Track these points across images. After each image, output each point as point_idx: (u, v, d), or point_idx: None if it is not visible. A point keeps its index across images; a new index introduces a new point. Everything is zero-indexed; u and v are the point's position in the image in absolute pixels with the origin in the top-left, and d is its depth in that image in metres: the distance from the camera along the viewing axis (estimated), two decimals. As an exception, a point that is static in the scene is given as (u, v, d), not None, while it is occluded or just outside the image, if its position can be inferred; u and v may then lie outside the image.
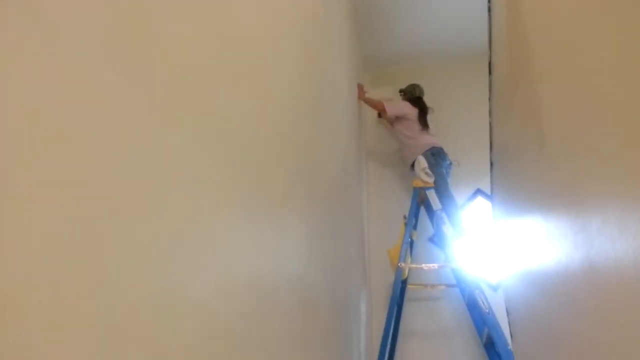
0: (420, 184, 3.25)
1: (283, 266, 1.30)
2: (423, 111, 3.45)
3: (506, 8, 1.73)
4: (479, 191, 3.27)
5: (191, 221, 0.72)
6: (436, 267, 3.04)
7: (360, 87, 3.46)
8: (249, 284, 0.98)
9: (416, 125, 3.43)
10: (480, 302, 2.66)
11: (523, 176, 1.76)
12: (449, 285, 3.06)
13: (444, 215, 3.11)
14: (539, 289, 1.73)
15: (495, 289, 2.98)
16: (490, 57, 2.14)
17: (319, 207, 1.82)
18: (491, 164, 2.39)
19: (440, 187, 3.23)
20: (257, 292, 1.03)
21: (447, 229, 3.03)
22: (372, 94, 3.60)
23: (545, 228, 1.55)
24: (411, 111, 3.45)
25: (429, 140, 3.38)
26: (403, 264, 2.91)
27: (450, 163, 3.34)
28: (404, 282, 2.96)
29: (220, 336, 0.81)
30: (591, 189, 1.05)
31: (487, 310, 2.60)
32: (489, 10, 2.07)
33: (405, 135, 3.47)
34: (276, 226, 1.24)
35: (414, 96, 3.56)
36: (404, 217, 3.19)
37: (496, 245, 2.60)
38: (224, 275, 0.84)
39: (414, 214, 3.20)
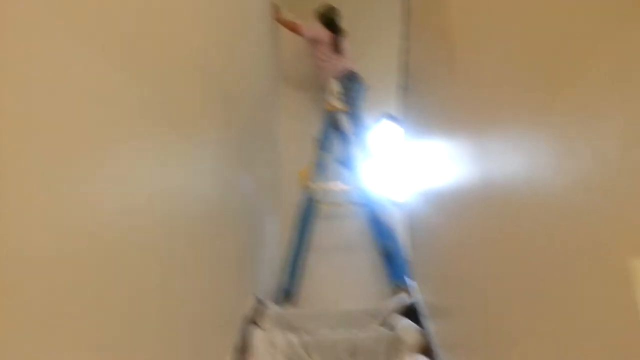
0: (333, 108, 3.29)
1: (192, 187, 1.30)
2: (336, 34, 3.43)
3: None
4: (387, 115, 3.38)
5: (94, 141, 0.69)
6: (345, 188, 3.16)
7: (275, 8, 3.35)
8: (155, 205, 0.97)
9: (330, 49, 3.42)
10: (384, 219, 2.84)
11: (434, 99, 1.84)
12: (356, 204, 3.22)
13: (354, 138, 3.21)
14: (439, 206, 1.87)
15: (399, 207, 3.18)
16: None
17: (230, 129, 1.80)
18: (403, 87, 2.46)
19: (352, 111, 3.30)
20: (163, 213, 1.03)
21: (357, 152, 3.14)
22: (289, 15, 3.50)
23: (449, 149, 1.66)
24: (324, 34, 3.41)
25: (343, 64, 3.39)
26: (313, 184, 3.00)
27: (363, 87, 3.40)
28: (315, 202, 3.07)
29: (125, 256, 0.81)
30: (492, 113, 1.13)
31: (390, 227, 2.79)
32: None
33: (320, 59, 3.46)
34: (184, 146, 1.22)
35: (327, 18, 3.50)
36: (315, 139, 3.24)
37: (404, 166, 2.75)
38: (128, 196, 0.83)
39: (326, 136, 3.26)
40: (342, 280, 2.96)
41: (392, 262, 2.82)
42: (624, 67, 0.57)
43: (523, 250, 0.92)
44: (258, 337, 1.86)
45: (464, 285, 1.43)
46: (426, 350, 1.80)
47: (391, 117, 3.34)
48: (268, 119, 2.96)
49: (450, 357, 1.59)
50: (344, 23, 3.57)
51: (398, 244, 2.70)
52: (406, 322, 1.97)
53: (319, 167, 3.16)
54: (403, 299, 2.20)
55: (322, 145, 3.21)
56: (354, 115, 3.30)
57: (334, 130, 3.34)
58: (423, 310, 2.02)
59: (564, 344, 0.75)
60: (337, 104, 3.29)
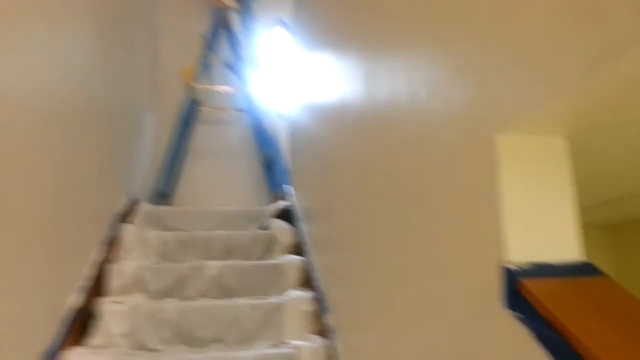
0: (222, 4, 3.10)
1: (60, 76, 1.16)
2: None
3: None
4: (280, 21, 3.26)
5: None
6: (229, 91, 3.06)
7: None
8: (18, 96, 0.85)
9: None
10: (267, 128, 2.83)
11: (329, 10, 1.79)
12: (239, 110, 3.15)
13: (243, 40, 3.07)
14: (323, 119, 1.90)
15: (283, 117, 3.17)
16: None
17: (105, 19, 1.62)
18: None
19: (244, 11, 3.13)
20: (27, 104, 0.91)
21: (246, 55, 3.03)
22: None
23: (339, 64, 1.66)
24: None
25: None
26: (196, 84, 2.86)
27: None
28: (196, 103, 2.94)
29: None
30: (383, 34, 1.13)
31: (272, 136, 2.79)
32: None
33: None
34: (53, 31, 1.06)
35: None
36: (203, 37, 3.05)
37: (292, 77, 2.72)
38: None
39: (213, 35, 3.08)
40: (221, 185, 2.94)
41: (272, 171, 2.85)
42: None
43: (397, 160, 0.97)
44: (128, 233, 1.81)
45: (338, 193, 1.49)
46: (298, 249, 1.89)
47: (284, 25, 3.23)
48: (147, 13, 2.71)
49: (317, 253, 1.69)
50: None
51: (279, 152, 2.72)
52: (281, 223, 2.03)
53: (204, 67, 3.00)
54: (281, 204, 2.26)
55: (209, 44, 3.04)
56: (245, 15, 3.14)
57: (222, 29, 3.16)
58: (298, 214, 2.10)
59: (420, 233, 0.82)
60: (227, 1, 3.09)
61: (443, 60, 0.78)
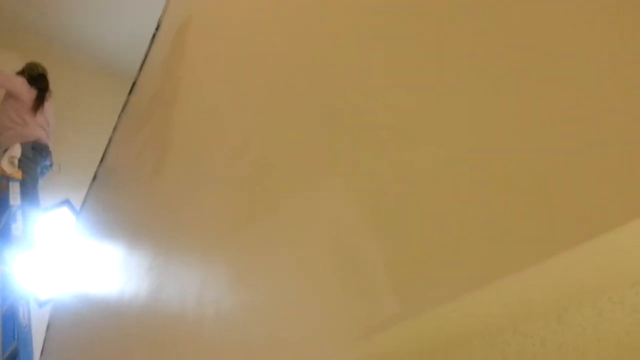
0: (6, 173, 2.86)
1: None
2: (42, 92, 3.09)
3: (171, 46, 1.85)
4: (66, 202, 3.10)
5: None
6: (-17, 266, 2.64)
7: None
8: None
9: (27, 110, 3.05)
10: (21, 315, 2.43)
11: (129, 199, 1.81)
12: (-12, 290, 2.68)
13: (19, 213, 2.79)
14: (97, 308, 1.75)
15: (42, 305, 2.78)
16: (137, 78, 2.20)
17: None
18: (94, 177, 2.35)
19: (28, 185, 2.91)
20: None
21: (17, 230, 2.72)
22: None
23: (125, 256, 1.63)
24: (27, 93, 3.05)
25: (35, 132, 3.04)
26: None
27: (51, 165, 3.09)
28: None
29: None
30: (178, 232, 1.19)
31: (25, 324, 2.39)
32: (153, 38, 2.16)
33: (10, 119, 3.02)
34: None
35: (36, 72, 3.15)
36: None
37: (65, 262, 2.49)
38: None
39: (-17, 200, 2.75)
40: None
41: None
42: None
43: None
44: None
45: None
46: None
47: (70, 206, 3.07)
48: None
49: None
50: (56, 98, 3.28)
51: (30, 347, 2.31)
52: None
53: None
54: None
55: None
56: (29, 190, 2.91)
57: (-2, 197, 2.86)
58: None
59: None
60: (10, 170, 2.87)
61: (231, 288, 0.83)
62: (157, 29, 2.13)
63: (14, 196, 2.85)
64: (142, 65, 2.19)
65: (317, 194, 0.69)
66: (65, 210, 3.08)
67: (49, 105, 3.18)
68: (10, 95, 3.03)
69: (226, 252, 0.89)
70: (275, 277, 0.71)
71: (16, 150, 2.93)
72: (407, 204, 0.53)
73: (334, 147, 0.69)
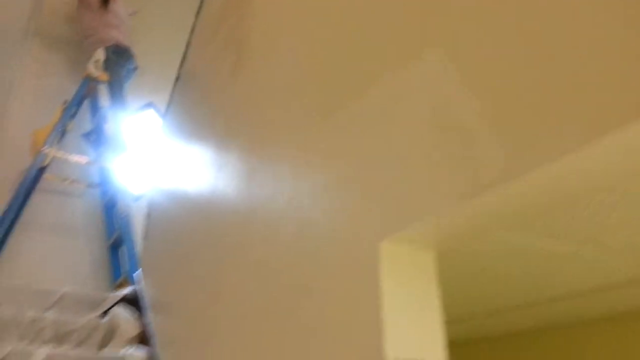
0: (92, 75, 3.02)
1: None
2: None
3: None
4: (151, 104, 3.25)
5: None
6: (85, 161, 2.89)
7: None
8: None
9: (100, 15, 3.16)
10: (120, 206, 2.69)
11: (210, 101, 1.87)
12: (90, 185, 2.96)
13: (109, 114, 2.98)
14: (180, 204, 1.90)
15: (136, 199, 3.04)
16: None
17: None
18: (177, 78, 2.43)
19: (115, 87, 3.08)
20: None
21: (109, 130, 2.93)
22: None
23: (214, 156, 1.72)
24: None
25: (112, 33, 3.16)
26: (48, 149, 2.65)
27: (135, 68, 3.23)
28: (42, 170, 2.70)
29: None
30: (264, 134, 1.24)
31: (124, 214, 2.65)
32: None
33: (88, 26, 3.16)
34: None
35: None
36: (65, 102, 2.90)
37: (155, 161, 2.68)
38: None
39: (77, 103, 2.95)
40: (56, 264, 2.65)
41: (119, 254, 2.67)
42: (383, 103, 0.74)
43: (274, 256, 1.02)
44: None
45: (194, 286, 1.47)
46: (143, 340, 1.76)
47: (155, 108, 3.22)
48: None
49: (168, 350, 1.59)
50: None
51: (130, 235, 2.58)
52: (124, 311, 1.89)
53: (60, 135, 2.81)
54: (126, 290, 2.11)
55: (69, 111, 2.89)
56: (114, 91, 3.08)
57: (88, 99, 3.05)
58: (146, 302, 1.98)
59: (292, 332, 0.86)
60: (97, 72, 3.03)
61: (329, 169, 0.88)
62: None
63: (103, 98, 3.03)
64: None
65: (413, 68, 0.70)
66: (151, 112, 3.24)
67: (118, 5, 3.27)
68: (81, 3, 3.16)
69: (319, 140, 0.93)
70: (376, 150, 0.75)
71: (99, 54, 3.08)
72: (511, 64, 0.53)
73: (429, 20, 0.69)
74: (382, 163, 0.74)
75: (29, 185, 2.59)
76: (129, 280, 2.30)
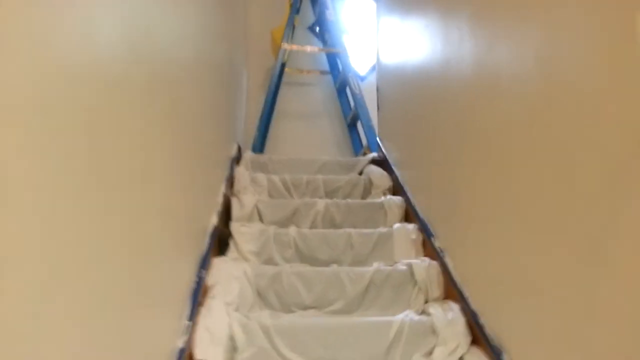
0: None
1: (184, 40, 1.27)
2: None
3: None
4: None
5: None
6: (317, 50, 3.22)
7: None
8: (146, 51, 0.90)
9: None
10: (352, 85, 2.96)
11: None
12: (323, 72, 3.30)
13: (328, 2, 3.20)
14: (406, 74, 2.01)
15: (363, 79, 3.30)
16: None
17: None
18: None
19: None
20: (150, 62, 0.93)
21: (330, 15, 3.15)
22: None
23: (419, 28, 1.75)
24: None
25: None
26: (286, 45, 3.02)
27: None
28: (284, 65, 3.11)
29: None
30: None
31: (357, 92, 2.92)
32: None
33: None
34: None
35: None
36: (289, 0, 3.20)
37: (374, 38, 2.83)
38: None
39: (299, -2, 3.22)
40: (308, 144, 3.14)
41: (357, 128, 3.00)
42: None
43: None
44: (240, 173, 2.03)
45: (438, 140, 1.60)
46: (395, 191, 2.05)
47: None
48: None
49: (416, 196, 1.83)
50: None
51: (365, 110, 2.86)
52: (376, 168, 2.19)
53: (290, 30, 3.15)
54: (371, 155, 2.41)
55: (295, 6, 3.18)
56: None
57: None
58: (389, 162, 2.25)
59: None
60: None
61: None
62: None
63: (322, -11, 3.24)
64: None
65: None
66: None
67: None
68: None
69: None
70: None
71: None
72: None
73: None
74: None
75: (277, 81, 3.03)
76: (370, 149, 2.62)
